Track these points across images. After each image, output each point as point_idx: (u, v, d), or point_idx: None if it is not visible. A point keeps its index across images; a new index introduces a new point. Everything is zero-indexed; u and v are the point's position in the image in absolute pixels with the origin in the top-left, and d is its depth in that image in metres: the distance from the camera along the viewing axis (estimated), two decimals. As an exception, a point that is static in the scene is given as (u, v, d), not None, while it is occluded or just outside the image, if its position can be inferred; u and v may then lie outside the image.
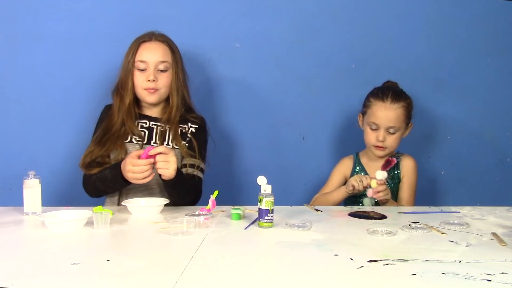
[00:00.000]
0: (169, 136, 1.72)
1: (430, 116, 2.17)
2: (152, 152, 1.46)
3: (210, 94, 2.06)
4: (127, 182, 1.53)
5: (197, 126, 1.77)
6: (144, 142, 1.70)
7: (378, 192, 1.62)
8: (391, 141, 1.80)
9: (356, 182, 1.67)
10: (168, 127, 1.72)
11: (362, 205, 1.71)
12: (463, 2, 2.14)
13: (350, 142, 2.03)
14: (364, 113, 1.88)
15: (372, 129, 1.82)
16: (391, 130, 1.80)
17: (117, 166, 1.53)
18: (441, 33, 2.14)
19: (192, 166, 1.68)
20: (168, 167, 1.47)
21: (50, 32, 1.98)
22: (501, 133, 2.21)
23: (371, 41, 2.12)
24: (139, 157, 1.47)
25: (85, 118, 1.99)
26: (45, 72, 2.00)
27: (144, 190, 1.68)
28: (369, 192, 1.63)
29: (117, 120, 1.70)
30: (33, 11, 1.98)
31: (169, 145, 1.71)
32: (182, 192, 1.61)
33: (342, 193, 1.76)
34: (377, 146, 1.81)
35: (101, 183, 1.60)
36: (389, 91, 1.83)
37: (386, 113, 1.79)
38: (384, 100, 1.80)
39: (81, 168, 1.65)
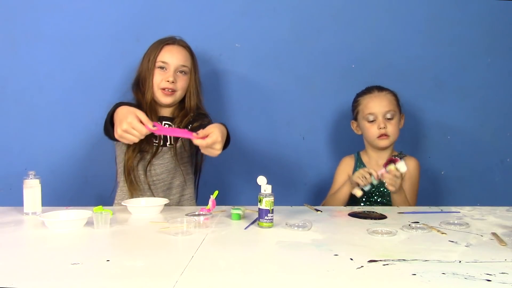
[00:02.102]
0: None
1: (430, 116, 2.17)
2: (198, 142, 1.39)
3: (210, 94, 2.06)
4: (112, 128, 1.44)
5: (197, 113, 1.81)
6: (161, 144, 1.73)
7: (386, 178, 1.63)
8: (392, 128, 1.83)
9: (360, 181, 1.66)
10: (179, 126, 1.76)
11: (371, 185, 1.67)
12: (463, 2, 2.15)
13: (350, 142, 2.03)
14: (356, 116, 1.91)
15: (370, 122, 1.84)
16: (388, 115, 1.83)
17: (116, 107, 1.45)
18: (441, 33, 2.14)
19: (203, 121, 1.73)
20: (213, 152, 1.42)
21: (50, 32, 1.99)
22: (501, 133, 2.21)
23: (371, 41, 2.12)
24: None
25: (85, 118, 1.99)
26: (45, 72, 2.00)
27: (166, 190, 1.75)
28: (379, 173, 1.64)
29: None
30: (33, 11, 1.98)
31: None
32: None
33: (348, 187, 1.76)
34: (380, 136, 1.82)
35: (106, 122, 1.56)
36: (372, 86, 1.91)
37: (378, 100, 1.85)
38: (371, 92, 1.88)
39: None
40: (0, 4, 1.97)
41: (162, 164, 1.74)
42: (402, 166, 1.62)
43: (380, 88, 1.88)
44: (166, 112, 1.80)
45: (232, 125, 2.08)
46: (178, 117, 1.77)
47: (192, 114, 1.78)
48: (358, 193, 1.65)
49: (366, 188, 1.66)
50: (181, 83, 1.76)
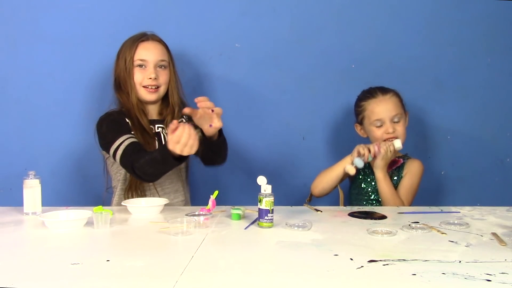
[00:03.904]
0: None
1: (430, 116, 2.17)
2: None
3: (209, 94, 2.05)
4: (179, 160, 1.48)
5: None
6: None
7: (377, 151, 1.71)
8: (400, 130, 1.82)
9: (362, 149, 1.71)
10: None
11: (353, 164, 1.72)
12: (463, 2, 2.14)
13: (350, 142, 2.01)
14: (361, 120, 1.89)
15: (377, 127, 1.82)
16: (396, 119, 1.82)
17: (165, 146, 1.46)
18: (441, 33, 2.14)
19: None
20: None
21: (50, 32, 1.98)
22: (501, 133, 2.21)
23: (371, 41, 2.12)
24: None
25: (85, 118, 1.99)
26: (45, 72, 1.99)
27: (162, 195, 1.73)
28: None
29: (134, 117, 1.70)
30: (33, 11, 1.98)
31: None
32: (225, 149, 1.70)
33: (344, 162, 1.76)
34: (389, 139, 1.80)
35: (151, 166, 1.52)
36: (374, 88, 1.88)
37: (383, 105, 1.83)
38: (375, 96, 1.85)
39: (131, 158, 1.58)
40: (0, 4, 1.97)
41: None
42: (397, 142, 1.74)
43: (383, 90, 1.85)
44: (153, 110, 1.78)
45: (232, 125, 2.08)
46: (168, 116, 1.75)
47: (177, 108, 1.76)
48: (351, 170, 1.70)
49: (360, 166, 1.71)
50: (163, 78, 1.73)
